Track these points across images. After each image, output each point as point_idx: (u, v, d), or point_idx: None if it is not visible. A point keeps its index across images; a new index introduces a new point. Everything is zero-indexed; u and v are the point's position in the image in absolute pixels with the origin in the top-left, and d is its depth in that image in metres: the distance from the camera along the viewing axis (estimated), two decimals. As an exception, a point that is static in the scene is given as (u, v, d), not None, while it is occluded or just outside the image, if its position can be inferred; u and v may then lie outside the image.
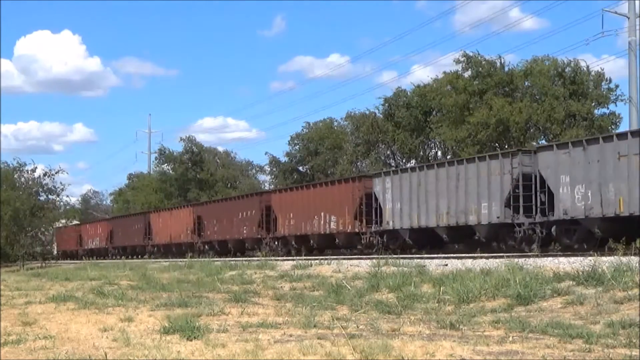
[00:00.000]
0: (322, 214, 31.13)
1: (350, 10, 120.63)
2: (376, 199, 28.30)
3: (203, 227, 40.96)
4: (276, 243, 34.18)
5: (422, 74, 69.78)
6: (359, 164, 50.18)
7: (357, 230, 29.17)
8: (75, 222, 66.34)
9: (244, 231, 36.62)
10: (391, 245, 26.99)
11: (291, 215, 33.27)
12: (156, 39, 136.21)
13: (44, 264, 41.23)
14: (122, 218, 55.80)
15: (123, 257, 48.21)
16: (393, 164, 47.03)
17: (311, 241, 32.10)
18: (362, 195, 28.99)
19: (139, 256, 47.24)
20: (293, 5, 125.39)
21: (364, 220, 28.79)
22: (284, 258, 27.03)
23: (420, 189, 25.88)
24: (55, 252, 63.56)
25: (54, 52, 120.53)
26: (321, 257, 25.28)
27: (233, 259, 29.34)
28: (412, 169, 27.68)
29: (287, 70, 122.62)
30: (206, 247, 39.49)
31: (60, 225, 62.79)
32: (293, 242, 32.99)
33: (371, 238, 28.25)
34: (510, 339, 8.06)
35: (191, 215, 42.25)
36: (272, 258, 24.82)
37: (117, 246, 52.55)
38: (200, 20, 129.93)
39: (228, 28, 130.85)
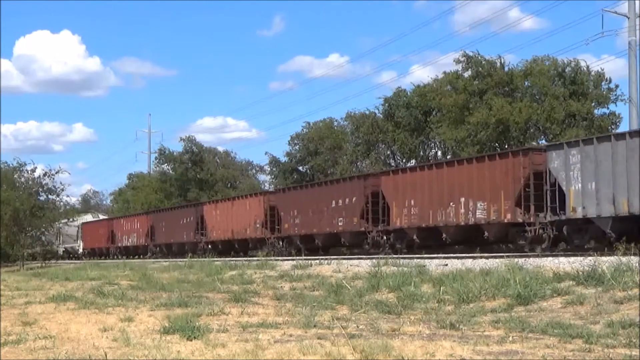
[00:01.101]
0: (463, 199, 24.13)
1: (350, 10, 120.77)
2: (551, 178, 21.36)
3: (279, 219, 33.90)
4: (386, 238, 27.22)
5: (422, 74, 70.12)
6: (359, 164, 50.19)
7: (521, 219, 22.27)
8: (102, 216, 62.11)
9: (339, 223, 29.76)
10: (585, 243, 20.51)
11: (412, 202, 26.20)
12: (156, 39, 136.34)
13: (44, 264, 41.20)
14: (166, 211, 48.15)
15: (168, 255, 41.89)
16: (393, 164, 47.05)
17: (443, 235, 25.04)
18: (529, 174, 22.00)
19: (190, 255, 39.06)
20: (292, 5, 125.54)
21: (532, 207, 21.90)
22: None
23: (632, 162, 19.06)
24: (80, 250, 58.46)
25: (54, 52, 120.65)
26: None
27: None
28: (619, 135, 20.51)
29: (286, 70, 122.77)
30: (282, 243, 33.38)
31: (87, 220, 59.30)
32: (415, 237, 26.01)
33: (543, 230, 21.48)
34: (510, 338, 8.06)
35: (262, 206, 35.02)
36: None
37: (159, 243, 45.65)
38: (199, 20, 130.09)
39: (227, 28, 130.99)
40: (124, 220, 53.52)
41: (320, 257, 24.51)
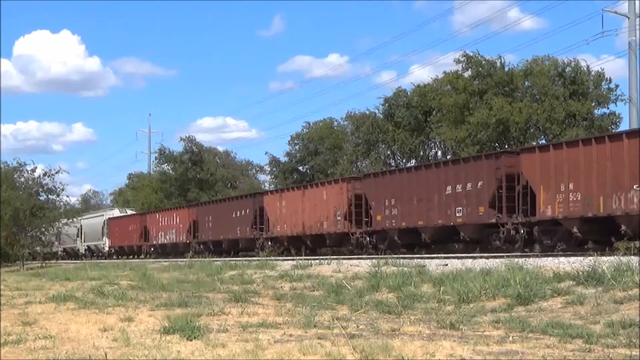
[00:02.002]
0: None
1: (349, 10, 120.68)
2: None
3: (367, 209, 28.32)
4: (525, 232, 21.94)
5: (421, 74, 70.10)
6: (359, 164, 50.19)
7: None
8: (130, 210, 57.74)
9: (457, 214, 24.07)
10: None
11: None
12: (155, 39, 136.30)
13: (44, 264, 41.20)
14: (214, 204, 41.82)
15: (217, 254, 35.76)
16: (393, 164, 47.06)
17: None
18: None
19: (246, 254, 35.53)
20: (292, 5, 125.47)
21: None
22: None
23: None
24: (106, 248, 54.15)
25: (53, 52, 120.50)
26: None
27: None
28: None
29: (286, 70, 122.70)
30: (372, 238, 28.02)
31: (115, 215, 55.10)
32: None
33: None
34: (510, 338, 8.06)
35: (344, 194, 29.33)
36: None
37: (205, 241, 39.90)
38: (199, 20, 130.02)
39: (227, 28, 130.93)
40: (160, 214, 47.25)
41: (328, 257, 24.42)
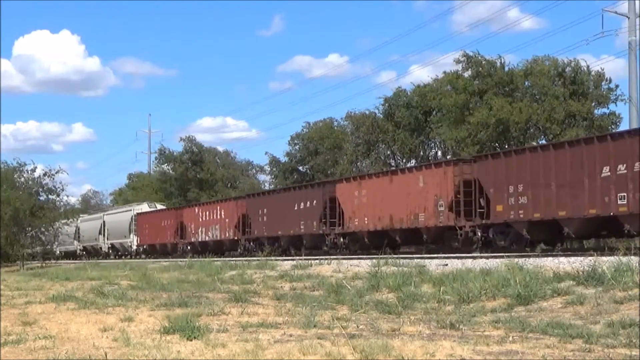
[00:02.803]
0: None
1: (349, 10, 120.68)
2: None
3: (484, 198, 23.32)
4: None
5: (421, 74, 70.07)
6: (359, 164, 50.21)
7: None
8: (160, 206, 52.60)
9: (619, 201, 19.37)
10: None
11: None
12: (155, 39, 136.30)
13: (44, 264, 41.19)
14: (269, 195, 36.41)
15: (269, 253, 29.33)
16: (393, 164, 47.06)
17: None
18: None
19: (306, 251, 30.54)
20: (291, 5, 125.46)
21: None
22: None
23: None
24: (133, 247, 49.40)
25: (53, 52, 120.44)
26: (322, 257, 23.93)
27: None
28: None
29: (285, 70, 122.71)
30: (483, 234, 23.26)
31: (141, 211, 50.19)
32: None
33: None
34: (510, 338, 8.06)
35: (449, 180, 24.37)
36: None
37: (257, 237, 35.11)
38: (199, 20, 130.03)
39: (227, 28, 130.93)
40: (200, 208, 42.00)
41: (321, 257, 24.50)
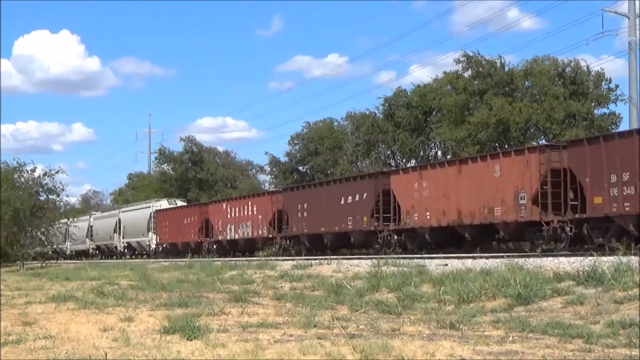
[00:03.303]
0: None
1: (348, 10, 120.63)
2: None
3: (577, 189, 20.49)
4: None
5: (421, 74, 70.05)
6: (359, 164, 50.22)
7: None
8: (180, 202, 49.17)
9: None
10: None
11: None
12: (155, 39, 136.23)
13: (44, 264, 41.19)
14: (312, 188, 32.42)
15: (311, 251, 29.54)
16: (393, 164, 47.08)
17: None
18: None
19: (345, 250, 29.61)
20: (291, 5, 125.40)
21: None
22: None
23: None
24: (152, 246, 45.89)
25: (53, 51, 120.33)
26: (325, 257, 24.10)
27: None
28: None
29: (285, 70, 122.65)
30: (576, 229, 20.47)
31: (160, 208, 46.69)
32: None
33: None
34: (510, 338, 8.07)
35: (533, 169, 21.62)
36: None
37: (296, 235, 31.76)
38: (198, 20, 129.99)
39: (226, 28, 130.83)
40: (228, 204, 38.32)
41: (323, 257, 24.49)
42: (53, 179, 41.67)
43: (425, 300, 12.04)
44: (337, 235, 29.47)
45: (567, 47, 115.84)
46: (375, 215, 27.20)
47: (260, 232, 34.68)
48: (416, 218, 25.43)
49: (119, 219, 51.48)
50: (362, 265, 18.49)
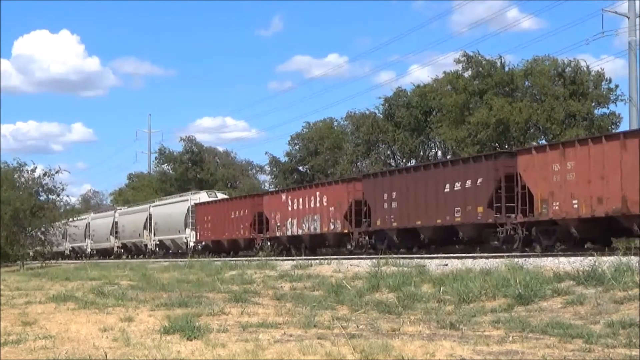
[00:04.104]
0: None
1: (348, 10, 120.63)
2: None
3: None
4: None
5: (421, 74, 70.03)
6: (359, 164, 50.22)
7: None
8: (221, 195, 44.89)
9: None
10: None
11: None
12: (155, 39, 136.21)
13: (44, 264, 41.18)
14: (398, 174, 27.24)
15: (409, 249, 25.81)
16: (393, 164, 47.08)
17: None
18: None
19: (472, 249, 23.68)
20: (291, 5, 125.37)
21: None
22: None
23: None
24: (190, 243, 41.11)
25: (53, 51, 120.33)
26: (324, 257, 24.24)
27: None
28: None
29: (285, 70, 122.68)
30: None
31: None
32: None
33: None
34: (510, 338, 8.07)
35: None
36: None
37: (381, 229, 26.94)
38: (198, 20, 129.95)
39: (226, 28, 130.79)
40: (289, 195, 33.33)
41: (327, 257, 24.51)
42: (53, 179, 41.66)
43: (425, 300, 12.04)
44: (439, 230, 24.75)
45: (567, 47, 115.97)
46: (494, 205, 22.30)
47: (332, 227, 29.97)
48: (556, 207, 20.57)
49: (150, 215, 46.84)
50: (362, 265, 18.49)
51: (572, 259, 15.08)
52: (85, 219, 56.69)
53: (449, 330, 8.95)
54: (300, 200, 32.27)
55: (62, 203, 43.57)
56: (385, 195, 26.82)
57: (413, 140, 45.56)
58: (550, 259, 16.05)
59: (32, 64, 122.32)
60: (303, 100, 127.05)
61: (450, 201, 23.82)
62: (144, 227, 47.35)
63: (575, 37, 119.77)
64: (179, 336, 8.58)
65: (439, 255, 22.08)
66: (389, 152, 49.08)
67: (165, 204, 47.17)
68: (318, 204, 31.05)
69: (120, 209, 54.21)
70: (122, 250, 50.55)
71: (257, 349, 7.56)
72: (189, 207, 42.25)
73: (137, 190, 72.75)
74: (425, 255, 21.66)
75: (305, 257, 24.69)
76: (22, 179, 41.70)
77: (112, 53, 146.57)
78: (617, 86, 39.38)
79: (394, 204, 26.47)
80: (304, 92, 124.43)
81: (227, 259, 24.18)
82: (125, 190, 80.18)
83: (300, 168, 58.29)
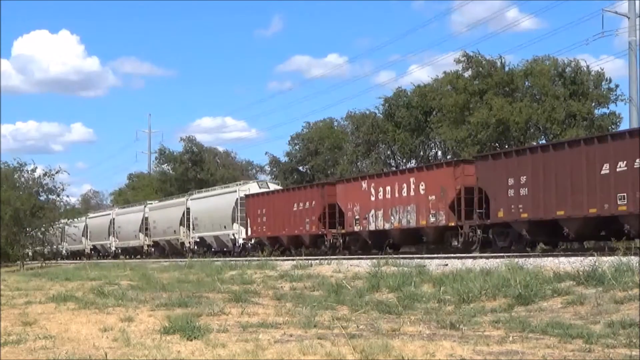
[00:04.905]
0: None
1: (348, 10, 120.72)
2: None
3: None
4: None
5: (420, 74, 70.00)
6: (359, 164, 50.23)
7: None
8: (273, 185, 40.49)
9: None
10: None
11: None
12: (154, 39, 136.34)
13: (44, 264, 41.18)
14: (530, 154, 21.84)
15: (549, 245, 22.32)
16: (393, 164, 47.08)
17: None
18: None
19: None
20: (290, 5, 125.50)
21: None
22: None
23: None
24: (239, 241, 36.75)
25: (52, 51, 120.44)
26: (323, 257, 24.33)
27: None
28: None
29: (284, 70, 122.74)
30: None
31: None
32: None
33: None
34: (511, 339, 8.06)
35: None
36: None
37: (503, 221, 22.38)
38: (197, 20, 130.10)
39: (226, 28, 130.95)
40: (372, 182, 28.13)
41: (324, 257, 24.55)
42: (53, 179, 41.69)
43: (426, 300, 12.03)
44: (591, 222, 20.20)
45: (567, 47, 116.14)
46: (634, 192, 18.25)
47: (433, 219, 24.89)
48: None
49: (187, 209, 42.41)
50: (362, 265, 18.49)
51: (572, 259, 15.08)
52: (109, 214, 53.41)
53: (449, 330, 8.95)
54: (388, 188, 27.18)
55: (62, 203, 43.64)
56: (511, 180, 21.89)
57: (413, 141, 45.55)
58: (550, 259, 16.04)
59: (32, 64, 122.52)
60: (303, 100, 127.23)
61: (605, 186, 19.19)
62: (180, 223, 42.89)
63: (575, 37, 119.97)
64: (179, 336, 8.58)
65: (439, 255, 22.08)
66: (389, 152, 49.08)
67: (207, 197, 42.44)
68: (413, 192, 25.91)
69: (152, 203, 49.97)
70: (153, 249, 45.95)
71: (257, 349, 7.56)
72: (237, 199, 37.22)
73: (137, 190, 72.76)
74: (425, 256, 21.65)
75: (305, 257, 24.67)
76: (22, 179, 41.73)
77: (112, 53, 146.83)
78: (617, 86, 39.43)
79: (523, 191, 21.52)
80: (303, 92, 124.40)
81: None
82: (125, 190, 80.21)
83: (301, 168, 58.31)
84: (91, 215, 50.26)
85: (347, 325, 9.48)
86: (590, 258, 13.51)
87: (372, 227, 28.01)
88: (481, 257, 18.25)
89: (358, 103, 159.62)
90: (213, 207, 39.90)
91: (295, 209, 32.50)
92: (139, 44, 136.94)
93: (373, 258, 19.74)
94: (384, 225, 27.36)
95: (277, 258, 24.78)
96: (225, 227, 38.39)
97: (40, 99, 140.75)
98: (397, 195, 26.76)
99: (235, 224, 37.38)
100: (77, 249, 57.90)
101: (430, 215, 25.11)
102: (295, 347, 7.65)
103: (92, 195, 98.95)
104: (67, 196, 48.69)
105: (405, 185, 26.49)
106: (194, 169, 67.17)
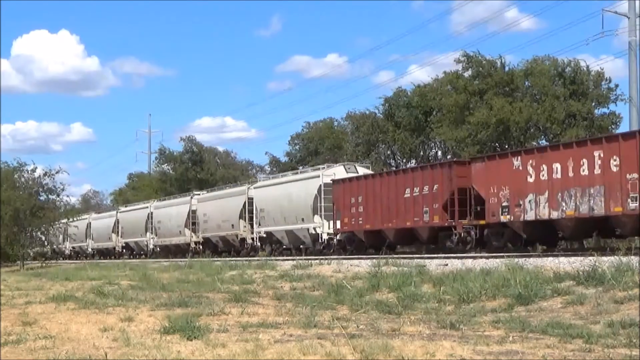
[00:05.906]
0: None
1: (347, 10, 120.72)
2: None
3: None
4: None
5: (420, 74, 69.96)
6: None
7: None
8: (361, 168, 33.09)
9: None
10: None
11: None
12: (154, 39, 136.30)
13: (44, 264, 41.19)
14: None
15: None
16: (393, 164, 47.07)
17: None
18: None
19: None
20: (290, 5, 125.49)
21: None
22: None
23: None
24: (323, 237, 30.28)
25: (52, 51, 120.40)
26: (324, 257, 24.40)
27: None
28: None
29: (284, 70, 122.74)
30: None
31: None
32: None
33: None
34: (511, 338, 8.06)
35: None
36: None
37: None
38: (197, 20, 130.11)
39: (225, 28, 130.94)
40: (528, 158, 21.60)
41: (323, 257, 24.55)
42: (53, 179, 41.69)
43: (426, 300, 12.04)
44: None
45: (567, 47, 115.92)
46: None
47: (632, 205, 18.44)
48: None
49: (248, 199, 36.16)
50: (362, 265, 18.48)
51: (572, 259, 15.08)
52: (146, 207, 46.92)
53: (449, 330, 8.95)
54: (557, 166, 20.62)
55: (62, 203, 43.64)
56: None
57: (413, 141, 45.53)
58: (550, 259, 16.04)
59: (32, 64, 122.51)
60: (303, 100, 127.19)
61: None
62: (240, 216, 36.72)
63: (575, 37, 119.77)
64: (179, 336, 8.58)
65: (439, 255, 22.07)
66: (389, 152, 49.07)
67: (277, 184, 35.44)
68: (598, 170, 19.45)
69: (199, 194, 43.53)
70: (202, 247, 39.70)
71: (257, 349, 7.56)
72: (320, 185, 30.66)
73: (137, 190, 72.74)
74: (425, 255, 21.64)
75: (305, 257, 24.67)
76: (22, 179, 41.74)
77: (111, 53, 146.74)
78: (617, 86, 39.37)
79: None
80: (303, 92, 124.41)
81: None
82: (125, 190, 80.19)
83: (301, 168, 58.31)
84: (122, 209, 45.35)
85: (347, 325, 9.48)
86: (590, 258, 13.50)
87: (529, 216, 21.38)
88: (481, 257, 18.25)
89: (358, 103, 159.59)
90: (286, 196, 33.17)
91: (407, 195, 25.77)
92: (138, 44, 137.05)
93: (373, 258, 19.66)
94: (550, 213, 20.78)
95: (277, 258, 25.16)
96: (303, 219, 31.68)
97: (40, 99, 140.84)
98: (571, 174, 20.21)
99: (316, 216, 30.87)
100: (105, 247, 51.34)
101: (629, 200, 18.47)
102: (295, 347, 7.65)
103: (92, 195, 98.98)
104: (67, 196, 48.62)
105: (585, 161, 19.79)
106: (194, 169, 67.15)
